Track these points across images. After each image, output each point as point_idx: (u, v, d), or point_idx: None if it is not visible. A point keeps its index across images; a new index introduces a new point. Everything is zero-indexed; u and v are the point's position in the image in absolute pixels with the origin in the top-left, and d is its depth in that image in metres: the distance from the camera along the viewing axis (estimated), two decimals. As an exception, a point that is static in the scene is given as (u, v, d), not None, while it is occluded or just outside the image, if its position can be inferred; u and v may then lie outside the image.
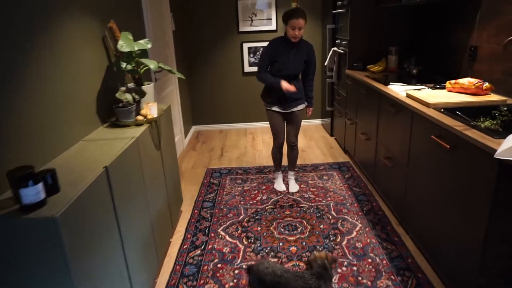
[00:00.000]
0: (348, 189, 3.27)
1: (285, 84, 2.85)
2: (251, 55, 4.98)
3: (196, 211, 3.03)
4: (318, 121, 5.34)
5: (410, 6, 3.56)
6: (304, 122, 4.25)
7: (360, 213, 2.87)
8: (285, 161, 3.52)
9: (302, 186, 3.36)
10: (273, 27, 4.90)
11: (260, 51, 4.67)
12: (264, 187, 3.40)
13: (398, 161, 2.57)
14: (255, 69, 5.03)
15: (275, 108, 3.10)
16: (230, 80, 5.13)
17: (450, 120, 1.90)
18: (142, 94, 2.30)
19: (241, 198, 3.20)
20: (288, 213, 2.92)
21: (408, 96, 2.44)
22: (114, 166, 1.63)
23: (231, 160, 4.13)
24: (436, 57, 3.18)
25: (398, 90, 2.66)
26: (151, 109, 2.21)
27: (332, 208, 2.95)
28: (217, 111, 5.30)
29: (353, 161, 3.88)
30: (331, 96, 4.57)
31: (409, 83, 2.87)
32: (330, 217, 2.83)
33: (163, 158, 2.46)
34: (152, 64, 2.17)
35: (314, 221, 2.77)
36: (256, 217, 2.87)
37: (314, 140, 4.63)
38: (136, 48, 2.13)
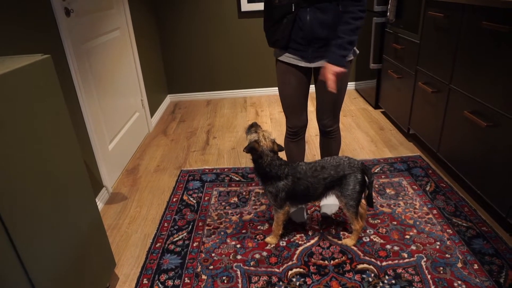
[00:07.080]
0: (441, 220, 1.70)
1: None
2: (251, -16, 3.24)
3: (145, 281, 1.49)
4: (351, 85, 3.67)
5: None
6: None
7: (494, 293, 1.32)
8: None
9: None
10: None
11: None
12: (279, 214, 1.83)
13: None
14: (256, 6, 3.31)
15: (290, 58, 1.53)
16: (220, 26, 3.41)
17: None
18: None
19: (238, 245, 1.64)
20: (336, 290, 1.38)
21: None
22: None
23: (221, 153, 2.54)
24: None
25: None
26: None
27: (428, 278, 1.40)
28: (202, 74, 3.62)
29: (429, 155, 2.29)
30: (380, 45, 2.89)
31: None
32: (433, 305, 1.29)
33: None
34: None
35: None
36: (269, 305, 1.34)
37: (351, 116, 3.01)
38: None
